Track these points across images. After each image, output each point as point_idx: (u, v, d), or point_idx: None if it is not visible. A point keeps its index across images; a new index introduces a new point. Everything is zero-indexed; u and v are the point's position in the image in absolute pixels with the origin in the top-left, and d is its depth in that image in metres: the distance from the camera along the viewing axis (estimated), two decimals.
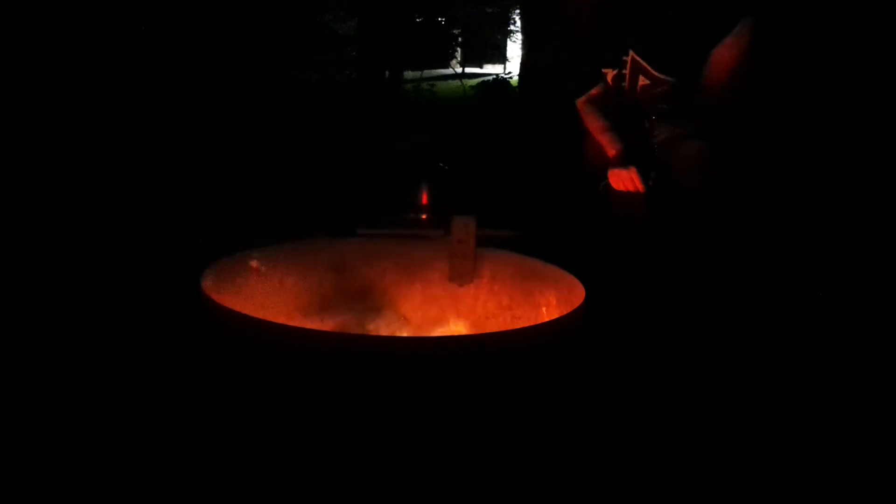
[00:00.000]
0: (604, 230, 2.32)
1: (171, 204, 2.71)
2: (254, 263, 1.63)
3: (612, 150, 2.30)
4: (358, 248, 1.75)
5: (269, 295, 1.63)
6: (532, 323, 1.55)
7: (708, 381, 1.73)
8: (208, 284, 1.41)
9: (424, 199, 1.79)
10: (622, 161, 2.26)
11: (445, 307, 1.74)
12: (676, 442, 1.47)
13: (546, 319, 1.54)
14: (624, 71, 2.34)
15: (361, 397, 1.24)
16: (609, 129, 2.35)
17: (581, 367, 1.54)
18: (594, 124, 2.40)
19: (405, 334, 1.66)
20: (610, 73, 2.36)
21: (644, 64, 2.29)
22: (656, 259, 2.22)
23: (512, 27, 13.31)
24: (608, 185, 2.30)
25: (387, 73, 7.36)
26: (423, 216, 1.79)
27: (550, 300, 1.60)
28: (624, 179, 2.24)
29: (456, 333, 1.65)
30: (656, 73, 2.27)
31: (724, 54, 2.19)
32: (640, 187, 2.21)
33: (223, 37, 4.01)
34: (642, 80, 2.30)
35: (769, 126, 2.53)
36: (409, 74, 8.23)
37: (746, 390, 1.69)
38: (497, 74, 9.39)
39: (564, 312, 1.41)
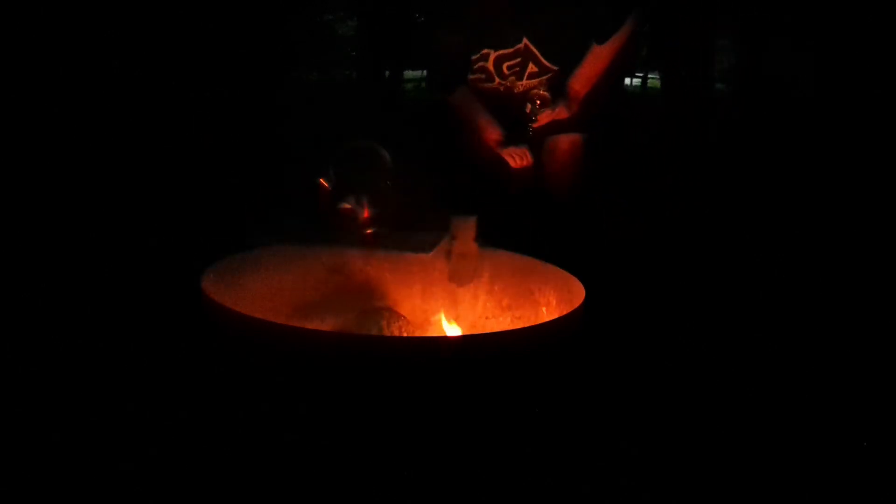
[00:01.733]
0: (604, 230, 2.33)
1: (171, 204, 2.71)
2: (254, 264, 1.63)
3: (494, 134, 2.42)
4: (357, 248, 1.75)
5: (269, 295, 1.63)
6: (532, 323, 1.55)
7: (708, 381, 1.73)
8: (208, 284, 1.41)
9: (366, 213, 1.79)
10: (511, 142, 2.41)
11: (445, 307, 1.74)
12: (676, 442, 1.47)
13: (546, 319, 1.54)
14: (510, 61, 2.41)
15: (361, 397, 1.25)
16: (487, 112, 2.46)
17: (581, 367, 1.54)
18: (472, 107, 2.49)
19: (405, 334, 1.66)
20: (492, 55, 2.43)
21: (536, 52, 2.38)
22: (656, 259, 2.22)
23: None
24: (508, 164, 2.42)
25: (387, 73, 7.36)
26: (368, 231, 1.79)
27: (550, 300, 1.60)
28: (522, 156, 2.37)
29: (456, 334, 1.65)
30: (546, 62, 2.39)
31: (602, 50, 2.32)
32: (531, 161, 2.37)
33: (223, 37, 4.01)
34: (531, 68, 2.41)
35: (626, 123, 2.66)
36: (409, 74, 8.23)
37: (746, 390, 1.69)
38: None
39: (564, 312, 1.41)
